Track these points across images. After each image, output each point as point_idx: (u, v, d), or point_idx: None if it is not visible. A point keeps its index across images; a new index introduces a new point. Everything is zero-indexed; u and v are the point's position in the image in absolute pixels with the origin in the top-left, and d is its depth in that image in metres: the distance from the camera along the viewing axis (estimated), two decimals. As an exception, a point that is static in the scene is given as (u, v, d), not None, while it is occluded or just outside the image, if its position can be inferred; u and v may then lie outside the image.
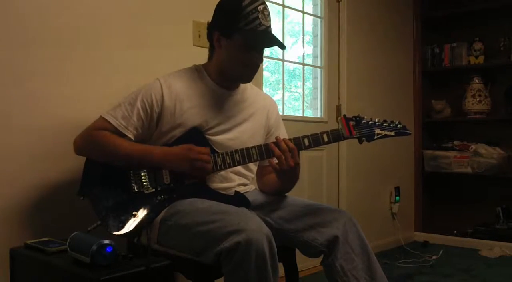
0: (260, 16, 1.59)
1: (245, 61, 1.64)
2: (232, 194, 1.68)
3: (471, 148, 3.82)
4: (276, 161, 1.59)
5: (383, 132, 1.63)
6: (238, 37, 1.61)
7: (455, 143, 3.99)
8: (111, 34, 2.00)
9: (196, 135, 1.65)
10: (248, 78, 1.71)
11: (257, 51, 1.65)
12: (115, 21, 2.02)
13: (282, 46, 1.65)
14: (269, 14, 1.64)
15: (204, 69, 1.74)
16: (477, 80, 3.89)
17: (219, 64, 1.69)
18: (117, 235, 1.53)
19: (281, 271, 1.55)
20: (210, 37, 1.70)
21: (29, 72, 1.76)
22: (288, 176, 1.64)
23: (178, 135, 1.65)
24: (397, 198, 3.81)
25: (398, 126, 1.65)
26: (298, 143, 1.60)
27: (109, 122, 1.60)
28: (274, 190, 1.79)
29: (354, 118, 1.62)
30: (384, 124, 1.63)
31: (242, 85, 1.78)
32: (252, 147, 1.61)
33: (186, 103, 1.66)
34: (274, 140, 1.69)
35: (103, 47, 1.97)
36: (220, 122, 1.70)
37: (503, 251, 3.47)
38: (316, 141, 1.61)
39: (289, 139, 1.60)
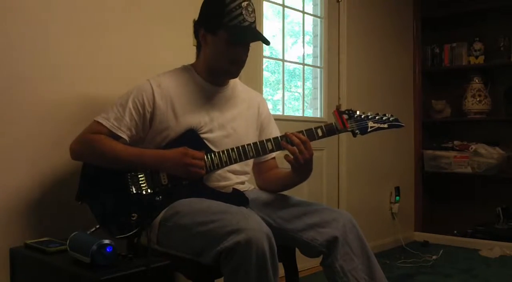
0: (244, 12, 1.60)
1: (231, 57, 1.65)
2: (230, 192, 1.68)
3: (471, 148, 3.82)
4: (291, 157, 1.58)
5: (376, 125, 1.65)
6: (222, 33, 1.62)
7: (455, 143, 4.00)
8: (111, 34, 2.00)
9: (191, 135, 1.65)
10: (234, 74, 1.72)
11: (242, 47, 1.66)
12: (115, 21, 2.02)
13: (266, 42, 1.67)
14: (253, 11, 1.65)
15: (193, 68, 1.75)
16: (477, 80, 3.89)
17: (206, 61, 1.70)
18: (117, 237, 1.53)
19: (281, 271, 1.55)
20: (196, 34, 1.71)
21: (29, 73, 1.76)
22: (304, 168, 1.64)
23: (173, 135, 1.65)
24: (397, 198, 3.81)
25: (391, 119, 1.67)
26: (311, 134, 1.61)
27: (102, 125, 1.61)
28: (282, 185, 1.77)
29: (347, 112, 1.64)
30: (377, 117, 1.66)
31: (231, 82, 1.78)
32: (247, 145, 1.62)
33: (177, 102, 1.66)
34: (267, 136, 1.71)
35: (103, 47, 1.97)
36: (213, 119, 1.70)
37: (503, 251, 3.47)
38: (311, 136, 1.62)
39: (300, 131, 1.61)
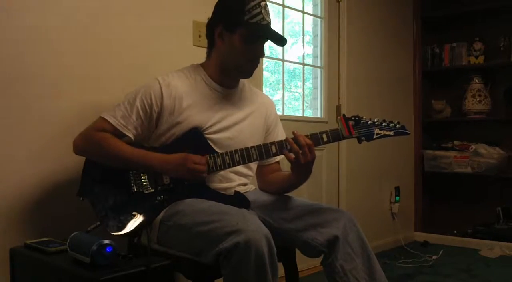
0: (262, 11, 1.63)
1: (248, 55, 1.66)
2: (231, 194, 1.68)
3: (471, 148, 3.82)
4: (293, 156, 1.59)
5: (382, 132, 1.64)
6: (242, 31, 1.63)
7: (455, 142, 4.00)
8: (111, 34, 2.00)
9: (195, 135, 1.65)
10: (249, 73, 1.72)
11: (259, 45, 1.67)
12: (115, 21, 2.02)
13: (284, 40, 1.68)
14: (269, 12, 1.67)
15: (203, 68, 1.74)
16: (477, 80, 3.89)
17: (219, 61, 1.70)
18: (117, 235, 1.53)
19: (281, 271, 1.56)
20: (210, 33, 1.71)
21: (29, 72, 1.76)
22: (303, 170, 1.64)
23: (178, 134, 1.65)
24: (397, 198, 3.81)
25: (397, 126, 1.65)
26: (316, 138, 1.61)
27: (109, 122, 1.61)
28: (281, 187, 1.77)
29: (353, 118, 1.63)
30: (383, 124, 1.64)
31: (240, 85, 1.78)
32: (251, 147, 1.61)
33: (185, 102, 1.66)
34: (273, 139, 1.71)
35: (103, 47, 1.97)
36: (219, 120, 1.70)
37: (503, 251, 3.48)
38: (315, 140, 1.61)
39: (306, 136, 1.60)
